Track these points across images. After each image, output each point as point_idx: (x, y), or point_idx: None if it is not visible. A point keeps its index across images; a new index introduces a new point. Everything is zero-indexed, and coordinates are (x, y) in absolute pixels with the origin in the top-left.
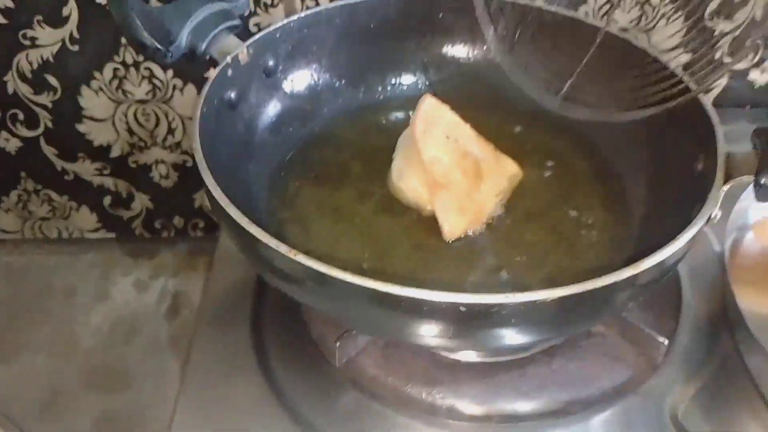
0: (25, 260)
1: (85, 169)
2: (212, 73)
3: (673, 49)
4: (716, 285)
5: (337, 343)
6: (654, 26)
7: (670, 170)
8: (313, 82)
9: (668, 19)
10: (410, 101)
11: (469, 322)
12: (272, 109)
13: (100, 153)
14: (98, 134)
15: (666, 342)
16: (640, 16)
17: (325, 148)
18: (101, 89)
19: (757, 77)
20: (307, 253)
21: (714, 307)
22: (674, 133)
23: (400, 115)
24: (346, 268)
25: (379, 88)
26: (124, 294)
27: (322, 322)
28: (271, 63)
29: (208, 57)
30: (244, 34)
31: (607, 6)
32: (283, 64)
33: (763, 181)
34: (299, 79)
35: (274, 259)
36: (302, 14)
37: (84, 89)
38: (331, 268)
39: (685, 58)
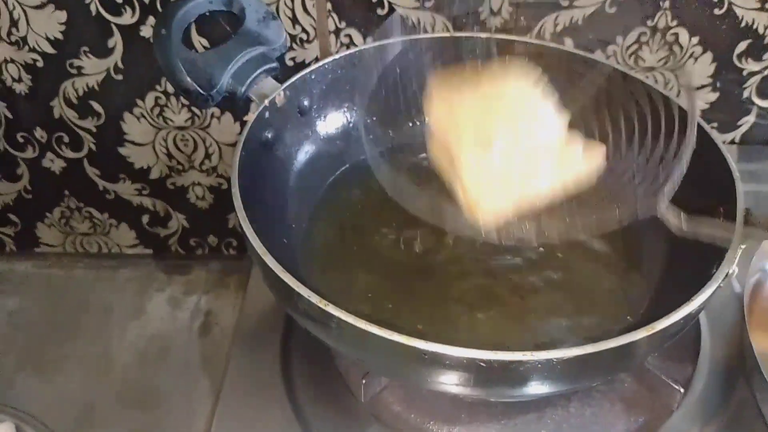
0: (65, 273)
1: (126, 189)
2: (250, 117)
3: (699, 88)
4: (735, 328)
5: (363, 381)
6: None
7: None
8: (345, 120)
9: (696, 59)
10: None
11: (489, 376)
12: (306, 147)
13: (140, 174)
14: (139, 157)
15: (682, 390)
16: (668, 56)
17: (355, 189)
18: (143, 116)
19: None
20: (337, 300)
21: (732, 352)
22: (694, 183)
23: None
24: (372, 316)
25: (410, 125)
26: (158, 310)
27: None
28: (305, 103)
29: (245, 99)
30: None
31: (636, 46)
32: (317, 103)
33: None
34: (332, 118)
35: (307, 308)
36: (336, 56)
37: (127, 115)
38: (358, 320)
39: (713, 96)
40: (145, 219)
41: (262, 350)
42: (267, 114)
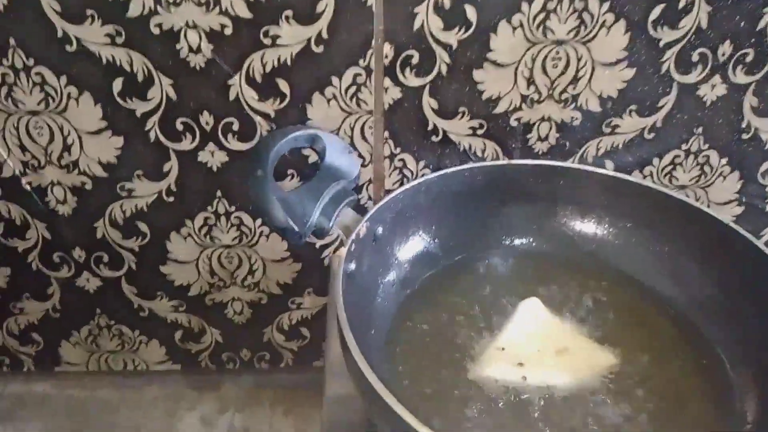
0: (88, 394)
1: (162, 306)
2: (342, 252)
3: (726, 203)
4: None
5: None
6: (712, 183)
7: None
8: (414, 245)
9: (724, 177)
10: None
11: None
12: (380, 273)
13: (178, 291)
14: (180, 275)
15: None
16: (699, 175)
17: (426, 311)
18: (190, 235)
19: None
20: None
21: None
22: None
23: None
24: None
25: (468, 247)
26: (190, 430)
27: None
28: (380, 231)
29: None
30: None
31: (670, 167)
32: (389, 230)
33: None
34: (402, 244)
35: None
36: (408, 186)
37: (173, 235)
38: None
39: (739, 210)
40: (178, 335)
41: None
42: (353, 247)
